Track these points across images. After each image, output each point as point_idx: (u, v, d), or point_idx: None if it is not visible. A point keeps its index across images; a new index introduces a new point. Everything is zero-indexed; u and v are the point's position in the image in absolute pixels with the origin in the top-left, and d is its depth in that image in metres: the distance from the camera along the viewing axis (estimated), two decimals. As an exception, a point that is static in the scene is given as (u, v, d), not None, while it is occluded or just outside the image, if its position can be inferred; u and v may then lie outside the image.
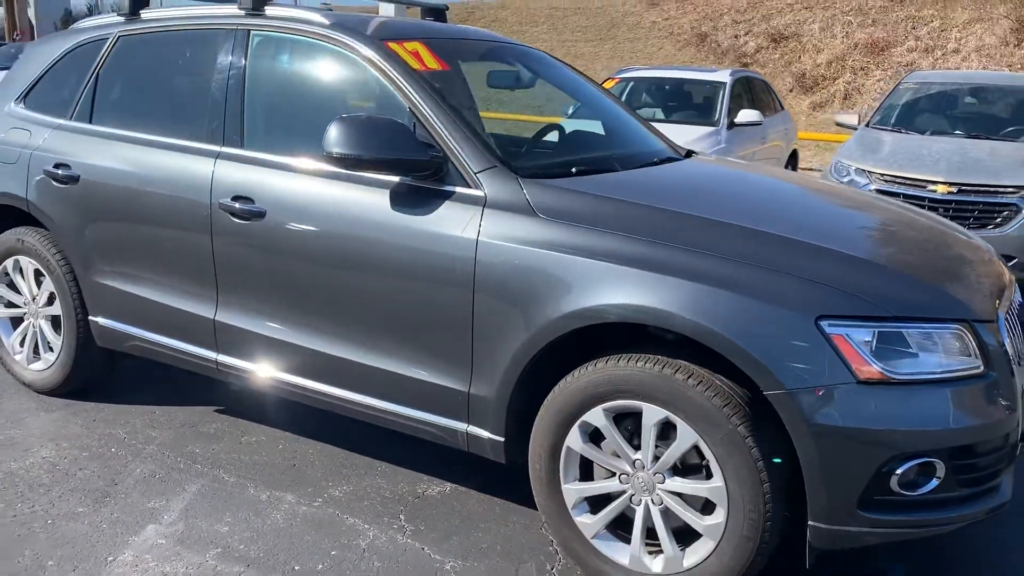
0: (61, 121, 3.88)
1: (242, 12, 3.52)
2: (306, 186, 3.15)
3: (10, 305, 4.19)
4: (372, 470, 3.49)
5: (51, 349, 4.06)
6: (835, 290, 2.42)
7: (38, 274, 4.01)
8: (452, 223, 2.84)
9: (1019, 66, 17.76)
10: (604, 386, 2.63)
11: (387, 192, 2.97)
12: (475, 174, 2.88)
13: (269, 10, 3.48)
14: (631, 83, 9.41)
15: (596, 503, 2.76)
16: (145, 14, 3.86)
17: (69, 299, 3.86)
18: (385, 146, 2.85)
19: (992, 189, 6.21)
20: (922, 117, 7.73)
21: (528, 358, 2.72)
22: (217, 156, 3.37)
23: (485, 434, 2.89)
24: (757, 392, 2.45)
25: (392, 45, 3.22)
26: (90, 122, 3.82)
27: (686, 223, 2.70)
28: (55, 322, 4.03)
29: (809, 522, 2.44)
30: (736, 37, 22.22)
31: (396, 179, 2.96)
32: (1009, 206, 6.14)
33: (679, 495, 2.60)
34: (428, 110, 2.99)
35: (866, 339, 2.37)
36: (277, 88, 3.47)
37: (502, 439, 2.87)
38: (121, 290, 3.66)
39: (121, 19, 3.92)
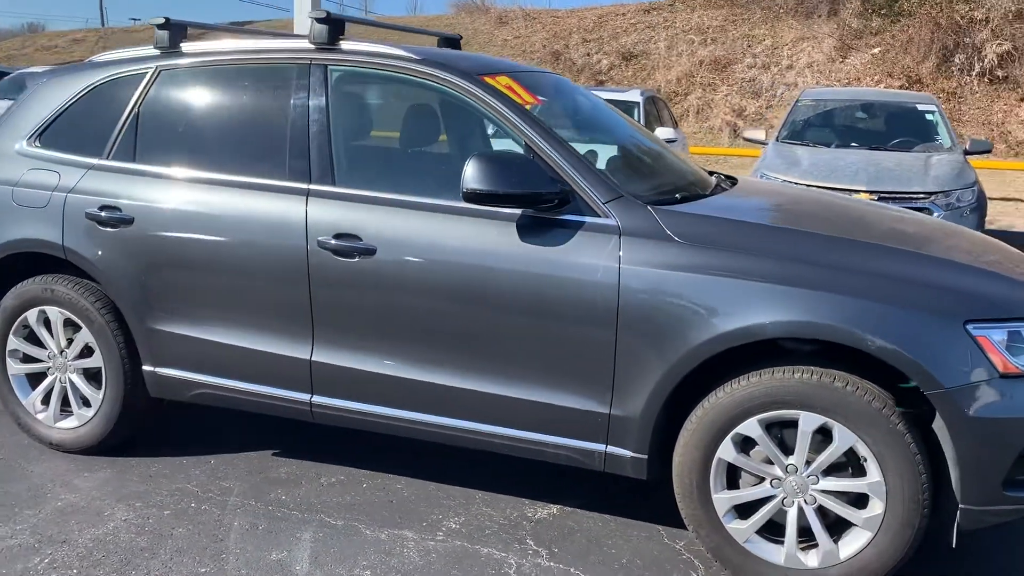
0: (97, 161, 3.65)
1: (313, 47, 3.46)
2: (420, 222, 3.15)
3: (28, 360, 3.87)
4: (470, 499, 3.51)
5: (86, 404, 3.79)
6: (973, 296, 2.73)
7: (68, 325, 3.74)
8: (590, 252, 2.95)
9: (846, 79, 19.52)
10: (760, 398, 2.82)
11: (512, 224, 3.04)
12: (603, 204, 3.00)
13: (344, 44, 3.45)
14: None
15: (743, 509, 2.94)
16: (186, 47, 3.70)
17: (114, 349, 3.63)
18: (521, 181, 2.93)
19: (907, 195, 6.91)
20: (825, 132, 8.45)
21: (679, 378, 2.87)
22: (308, 194, 3.30)
23: (627, 453, 3.01)
24: (896, 394, 2.72)
25: (488, 80, 3.29)
26: (134, 161, 3.61)
27: (819, 242, 2.94)
28: (89, 375, 3.77)
29: (961, 506, 2.72)
30: (589, 55, 23.11)
31: (519, 211, 3.03)
32: (923, 211, 6.85)
33: (833, 493, 2.83)
34: (546, 144, 3.08)
35: (1002, 338, 2.69)
36: (368, 124, 3.44)
37: (645, 456, 2.99)
38: (187, 336, 3.49)
39: (156, 52, 3.73)
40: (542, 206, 2.99)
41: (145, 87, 3.66)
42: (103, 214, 3.54)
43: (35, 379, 3.89)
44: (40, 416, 3.85)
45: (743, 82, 20.23)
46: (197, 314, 3.47)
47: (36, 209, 3.67)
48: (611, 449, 3.03)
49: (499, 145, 3.69)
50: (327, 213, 3.26)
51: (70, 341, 3.78)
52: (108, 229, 3.54)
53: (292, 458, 3.85)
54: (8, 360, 3.85)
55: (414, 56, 3.34)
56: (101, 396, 3.71)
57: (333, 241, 3.21)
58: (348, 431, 3.62)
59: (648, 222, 2.97)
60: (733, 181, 3.85)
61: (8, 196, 3.74)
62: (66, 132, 3.79)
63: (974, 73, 18.12)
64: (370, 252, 3.17)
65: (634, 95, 9.34)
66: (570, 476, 3.66)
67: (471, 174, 2.92)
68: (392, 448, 3.88)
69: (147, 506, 3.40)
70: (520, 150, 3.21)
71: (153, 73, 3.67)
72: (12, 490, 3.50)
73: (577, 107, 4.06)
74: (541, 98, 3.44)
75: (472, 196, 2.95)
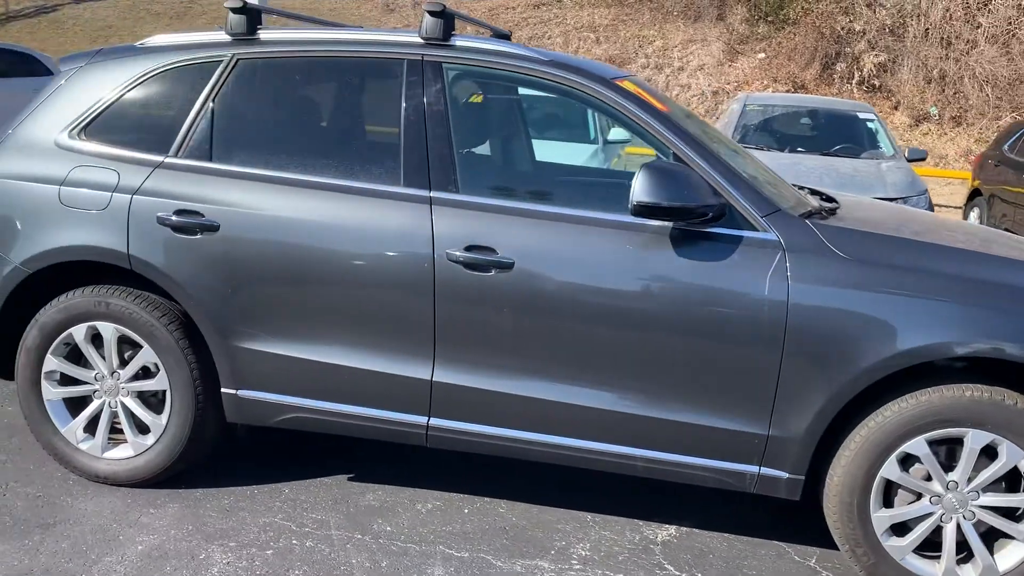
0: (164, 159, 3.24)
1: (423, 42, 3.19)
2: (562, 234, 2.97)
3: (67, 382, 3.41)
4: (582, 522, 3.36)
5: (141, 431, 3.37)
6: None
7: (122, 343, 3.32)
8: (754, 267, 2.86)
9: (735, 82, 20.29)
10: (928, 417, 2.82)
11: (664, 238, 2.91)
12: (762, 218, 2.92)
13: (457, 41, 3.20)
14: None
15: (899, 526, 2.94)
16: (264, 35, 3.34)
17: (184, 370, 3.24)
18: (688, 193, 2.81)
19: (870, 202, 7.20)
20: (775, 136, 8.69)
21: (849, 397, 2.84)
22: (431, 202, 3.04)
23: (783, 475, 2.95)
24: None
25: (621, 84, 3.14)
26: (210, 160, 3.23)
27: (973, 258, 2.97)
28: (142, 398, 3.36)
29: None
30: (484, 48, 22.92)
31: (669, 224, 2.91)
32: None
33: (991, 508, 2.86)
34: (697, 155, 2.97)
35: None
36: (488, 128, 3.21)
37: (802, 478, 2.94)
38: (280, 356, 3.16)
39: (227, 39, 3.35)
40: (700, 219, 2.88)
41: (221, 77, 3.27)
42: (180, 219, 3.15)
43: (73, 404, 3.43)
44: (83, 446, 3.39)
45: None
46: (293, 331, 3.15)
47: (92, 212, 3.22)
48: (765, 471, 2.96)
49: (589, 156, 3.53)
50: (456, 223, 3.02)
51: (123, 361, 3.35)
52: (187, 236, 3.15)
53: (371, 482, 3.57)
54: (44, 383, 3.37)
55: (540, 57, 3.15)
56: (164, 422, 3.31)
57: (465, 254, 2.98)
58: (408, 449, 3.40)
59: (810, 237, 2.91)
60: (818, 193, 3.85)
61: (52, 196, 3.27)
62: (119, 125, 3.35)
63: (854, 81, 19.21)
64: (507, 266, 2.96)
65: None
66: (671, 493, 3.57)
67: (641, 186, 2.77)
68: (471, 468, 3.67)
69: (242, 546, 3.05)
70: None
71: (229, 62, 3.29)
72: (73, 533, 3.07)
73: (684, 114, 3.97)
74: (667, 105, 3.31)
75: (641, 209, 2.80)
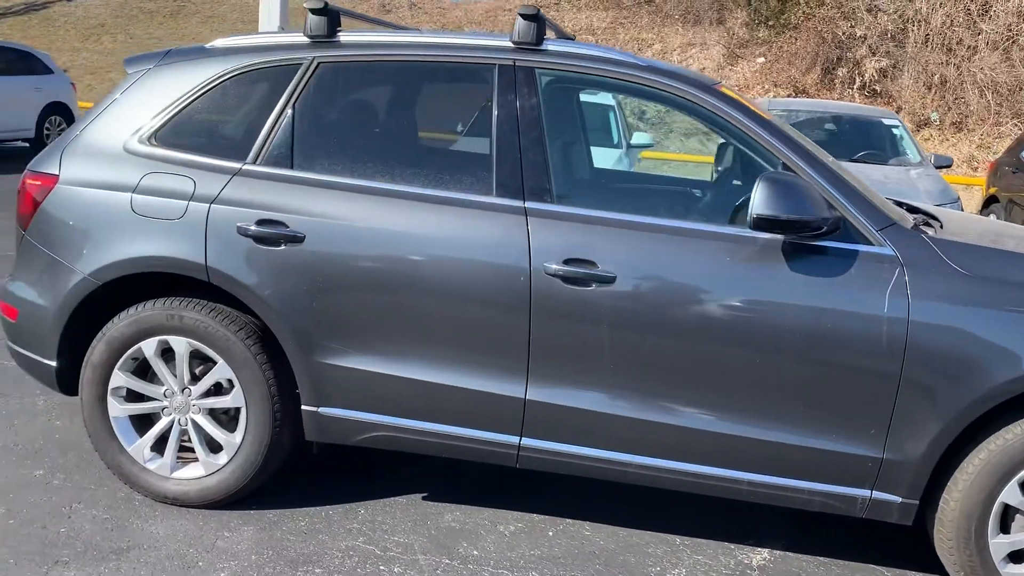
0: (242, 166, 3.10)
1: (513, 46, 3.07)
2: (666, 247, 2.86)
3: (134, 398, 3.26)
4: (672, 545, 3.24)
5: (212, 450, 3.22)
6: None
7: (194, 358, 3.17)
8: (872, 283, 2.76)
9: (736, 86, 20.27)
10: (1052, 440, 2.72)
11: (775, 251, 2.80)
12: (877, 232, 2.81)
13: (550, 46, 3.08)
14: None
15: (1016, 554, 2.84)
16: (344, 37, 3.20)
17: (262, 386, 3.10)
18: (806, 206, 2.70)
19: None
20: (802, 142, 8.60)
21: (971, 419, 2.73)
22: (526, 213, 2.92)
23: (896, 499, 2.84)
24: None
25: (724, 91, 3.03)
26: (292, 168, 3.09)
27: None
28: (212, 416, 3.21)
29: None
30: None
31: (780, 237, 2.80)
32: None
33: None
34: (808, 166, 2.87)
35: None
36: (582, 136, 3.09)
37: (916, 502, 2.84)
38: (366, 372, 3.02)
39: (305, 41, 3.21)
40: (815, 233, 2.76)
41: (301, 82, 3.13)
42: (262, 230, 3.01)
43: (139, 422, 3.28)
44: (151, 465, 3.24)
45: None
46: (380, 347, 3.01)
47: (168, 222, 3.07)
48: (878, 495, 2.85)
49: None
50: (554, 235, 2.90)
51: (194, 377, 3.21)
52: (269, 247, 3.01)
53: (447, 502, 3.44)
54: (110, 400, 3.22)
55: (638, 63, 3.03)
56: (239, 440, 3.16)
57: (564, 267, 2.86)
58: (478, 467, 3.33)
59: (927, 252, 2.81)
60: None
61: (124, 205, 3.11)
62: (193, 130, 3.20)
63: (855, 87, 19.22)
64: (608, 280, 2.84)
65: (606, 98, 9.20)
66: (758, 515, 3.46)
67: (761, 198, 2.66)
68: (548, 488, 3.55)
69: (328, 572, 2.91)
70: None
71: (309, 65, 3.15)
72: (149, 559, 2.92)
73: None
74: (766, 114, 3.21)
75: (760, 222, 2.69)
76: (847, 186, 2.87)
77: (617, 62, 3.03)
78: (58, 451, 3.66)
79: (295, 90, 3.13)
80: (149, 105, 3.22)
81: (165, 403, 3.22)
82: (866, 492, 2.86)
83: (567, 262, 2.86)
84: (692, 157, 14.27)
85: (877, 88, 19.31)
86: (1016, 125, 17.91)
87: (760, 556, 3.22)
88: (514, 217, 2.93)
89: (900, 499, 2.84)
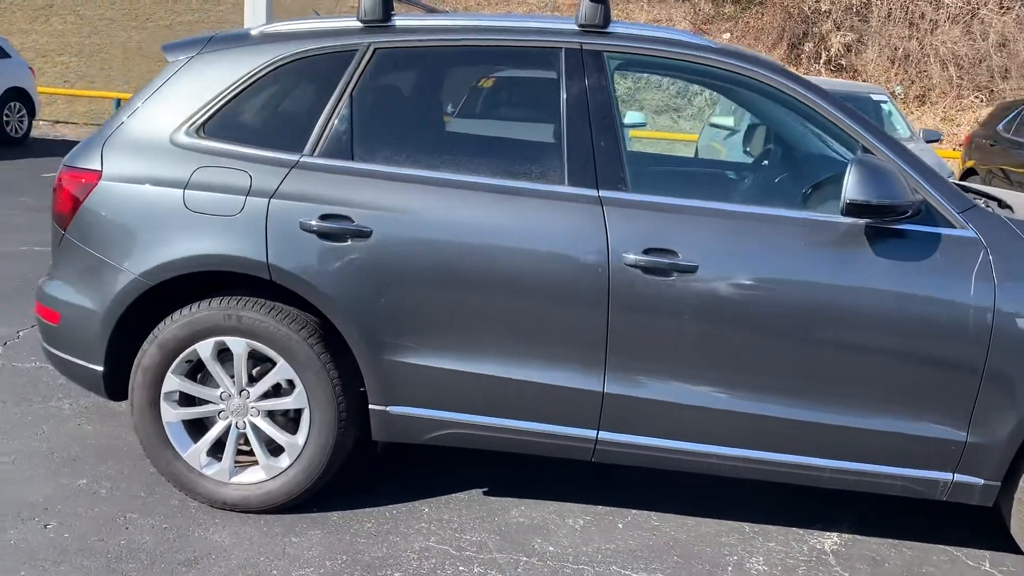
0: (299, 158, 2.97)
1: (578, 29, 2.98)
2: (747, 234, 2.82)
3: (187, 402, 3.13)
4: (742, 533, 3.22)
5: (272, 453, 3.11)
6: None
7: (251, 359, 3.05)
8: (956, 267, 2.74)
9: (703, 63, 20.26)
10: None
11: (858, 236, 2.77)
12: (958, 214, 2.80)
13: (618, 28, 3.00)
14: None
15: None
16: (399, 22, 3.08)
17: (327, 386, 3.00)
18: (896, 190, 2.67)
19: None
20: (792, 119, 8.63)
21: None
22: (601, 202, 2.85)
23: (978, 481, 2.85)
24: None
25: (799, 75, 2.98)
26: (352, 159, 2.98)
27: None
28: (271, 417, 3.10)
29: None
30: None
31: (861, 222, 2.77)
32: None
33: None
34: (889, 150, 2.84)
35: None
36: (653, 120, 3.01)
37: (998, 484, 2.85)
38: (438, 369, 2.94)
39: (358, 25, 3.08)
40: (900, 217, 2.73)
41: (358, 69, 3.01)
42: (327, 225, 2.89)
43: (193, 426, 3.16)
44: (209, 471, 3.12)
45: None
46: (451, 343, 2.92)
47: (224, 218, 2.93)
48: (960, 478, 2.85)
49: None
50: (632, 225, 2.83)
51: (252, 378, 3.09)
52: (334, 243, 2.90)
53: (508, 496, 3.38)
54: (163, 404, 3.08)
55: (711, 45, 2.96)
56: (302, 442, 3.06)
57: (644, 257, 2.79)
58: (533, 459, 3.32)
59: (1008, 234, 2.80)
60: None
61: (176, 201, 2.97)
62: (244, 121, 3.06)
63: (821, 61, 19.39)
64: (690, 270, 2.79)
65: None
66: (816, 500, 3.45)
67: (855, 184, 2.62)
68: (604, 479, 3.52)
69: (410, 575, 2.84)
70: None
71: (365, 51, 3.02)
72: (221, 569, 2.81)
73: None
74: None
75: (852, 208, 2.65)
76: (927, 169, 2.85)
77: (691, 45, 2.96)
78: (96, 458, 3.51)
79: (352, 78, 3.00)
80: (195, 95, 3.07)
81: (221, 406, 3.10)
82: (948, 475, 2.86)
83: (647, 252, 2.80)
84: (675, 136, 14.20)
85: (843, 63, 19.50)
86: (977, 98, 18.23)
87: (831, 540, 3.21)
88: (589, 207, 2.85)
89: (983, 481, 2.84)
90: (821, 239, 2.78)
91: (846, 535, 3.26)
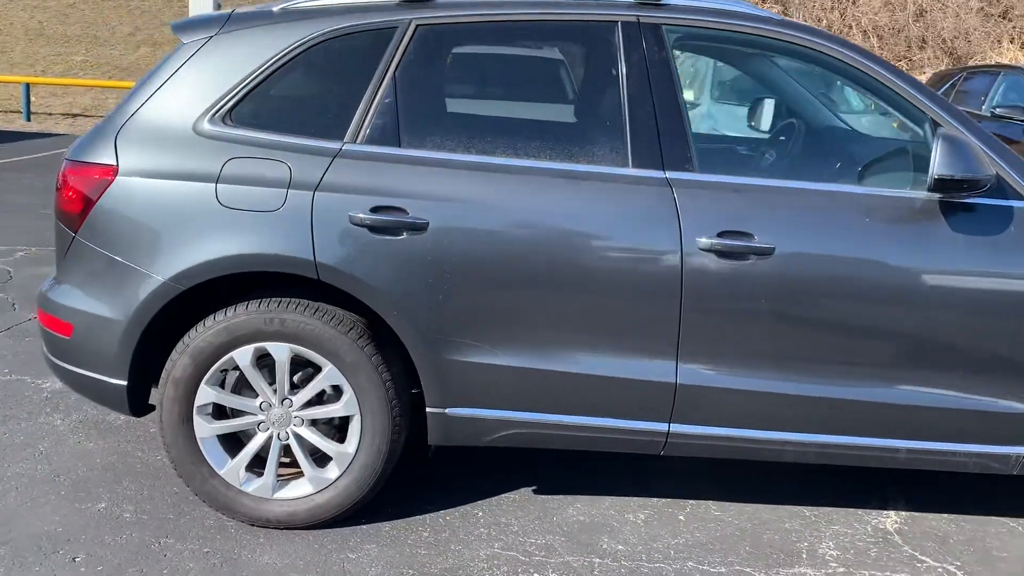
0: (342, 146, 2.74)
1: (633, 1, 2.82)
2: (822, 213, 2.74)
3: (220, 414, 2.89)
4: (803, 518, 3.16)
5: (318, 464, 2.90)
6: None
7: (295, 364, 2.83)
8: None
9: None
10: None
11: (934, 212, 2.72)
12: None
13: (671, 0, 2.85)
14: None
15: None
16: (438, -5, 2.87)
17: (380, 390, 2.79)
18: (977, 164, 2.61)
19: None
20: (744, 93, 8.66)
21: None
22: (669, 184, 2.71)
23: (1051, 454, 2.84)
24: None
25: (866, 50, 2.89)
26: (399, 145, 2.76)
27: None
28: (316, 425, 2.89)
29: None
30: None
31: (936, 197, 2.71)
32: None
33: None
34: (960, 124, 2.77)
35: None
36: (716, 96, 2.88)
37: (1071, 455, 2.85)
38: (502, 367, 2.77)
39: (396, 0, 2.85)
40: (978, 191, 2.68)
41: (399, 47, 2.78)
42: (380, 218, 2.67)
43: (227, 440, 2.91)
44: (249, 488, 2.88)
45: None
46: (514, 339, 2.75)
47: (264, 214, 2.69)
48: (1034, 450, 2.84)
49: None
50: (705, 207, 2.70)
51: (293, 385, 2.86)
52: (388, 237, 2.68)
53: (558, 494, 3.24)
54: (196, 419, 2.83)
55: (774, 17, 2.85)
56: (352, 450, 2.85)
57: (718, 240, 2.67)
58: (567, 452, 3.25)
59: (1077, 206, 2.77)
60: None
61: (208, 196, 2.70)
62: (274, 106, 2.81)
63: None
64: (767, 252, 2.68)
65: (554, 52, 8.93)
66: (865, 479, 3.42)
67: (942, 159, 2.55)
68: (652, 469, 3.41)
69: (488, 587, 2.68)
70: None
71: (407, 28, 2.80)
72: (281, 595, 2.60)
73: None
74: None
75: (941, 184, 2.58)
76: (996, 142, 2.80)
77: (754, 17, 2.84)
78: (109, 478, 3.22)
79: (393, 58, 2.78)
80: (218, 79, 2.80)
81: (261, 417, 2.86)
82: (1021, 450, 2.84)
83: (722, 235, 2.68)
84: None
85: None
86: (899, 67, 18.74)
87: (891, 520, 3.18)
88: (657, 189, 2.71)
89: (1055, 454, 2.84)
90: (896, 215, 2.71)
91: (903, 513, 3.23)
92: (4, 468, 3.25)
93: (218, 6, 8.08)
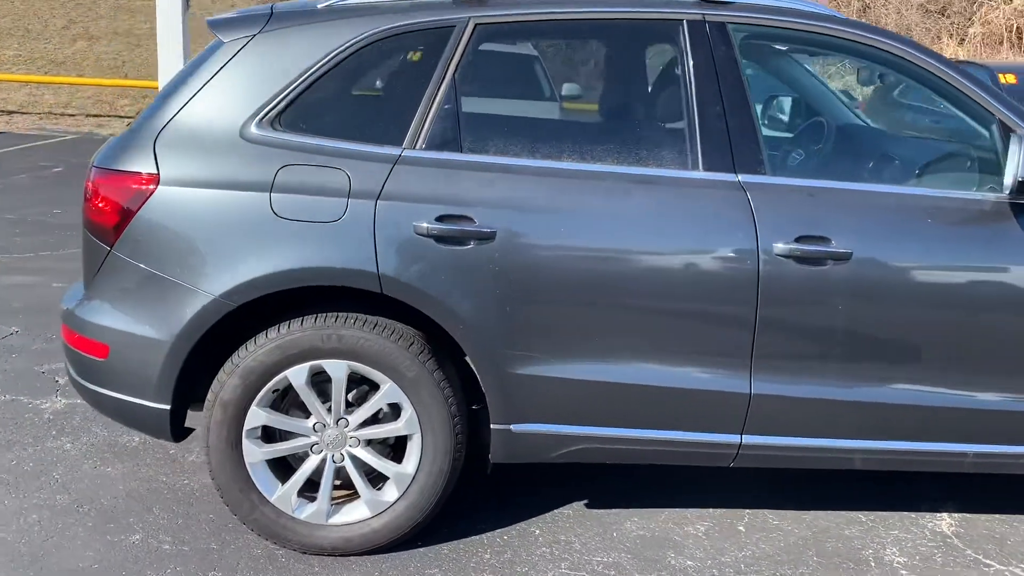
0: (402, 152, 2.59)
1: (696, -1, 2.74)
2: (901, 215, 2.69)
3: (269, 437, 2.72)
4: (862, 524, 3.12)
5: (374, 486, 2.75)
6: None
7: (352, 382, 2.67)
8: None
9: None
10: None
11: (1005, 214, 2.70)
12: None
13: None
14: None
15: None
16: (494, -7, 2.74)
17: (443, 408, 2.66)
18: (1051, 167, 2.59)
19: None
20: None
21: None
22: (743, 188, 2.63)
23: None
24: None
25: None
26: (461, 151, 2.63)
27: None
28: (372, 446, 2.74)
29: None
30: None
31: (1006, 199, 2.69)
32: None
33: None
34: (1024, 123, 2.75)
35: None
36: (801, 99, 2.82)
37: None
38: (571, 381, 2.66)
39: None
40: None
41: (458, 48, 2.64)
42: (446, 227, 2.53)
43: (276, 465, 2.75)
44: (302, 514, 2.72)
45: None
46: (583, 351, 2.65)
47: (324, 225, 2.52)
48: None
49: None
50: (781, 212, 2.63)
51: (348, 405, 2.71)
52: (455, 248, 2.55)
53: (613, 508, 3.14)
54: (245, 443, 2.66)
55: (839, 16, 2.79)
56: (411, 471, 2.71)
57: (796, 246, 2.61)
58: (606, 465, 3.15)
59: None
60: None
61: (261, 207, 2.53)
62: (326, 109, 2.65)
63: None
64: (844, 257, 2.62)
65: (527, 48, 8.82)
66: (912, 482, 3.39)
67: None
68: (695, 481, 3.32)
69: (564, 612, 2.57)
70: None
71: (465, 27, 2.66)
72: (351, 629, 2.45)
73: None
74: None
75: (1021, 186, 2.56)
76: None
77: (820, 16, 2.78)
78: (137, 506, 3.02)
79: (452, 59, 2.64)
80: (265, 81, 2.62)
81: (314, 439, 2.70)
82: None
83: (799, 240, 2.61)
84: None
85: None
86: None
87: (946, 522, 3.17)
88: (730, 193, 2.63)
89: (1118, 457, 2.85)
90: (970, 218, 2.68)
91: (956, 515, 3.22)
92: (20, 499, 3.02)
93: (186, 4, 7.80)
